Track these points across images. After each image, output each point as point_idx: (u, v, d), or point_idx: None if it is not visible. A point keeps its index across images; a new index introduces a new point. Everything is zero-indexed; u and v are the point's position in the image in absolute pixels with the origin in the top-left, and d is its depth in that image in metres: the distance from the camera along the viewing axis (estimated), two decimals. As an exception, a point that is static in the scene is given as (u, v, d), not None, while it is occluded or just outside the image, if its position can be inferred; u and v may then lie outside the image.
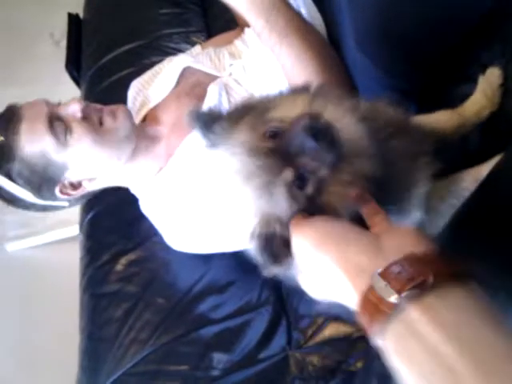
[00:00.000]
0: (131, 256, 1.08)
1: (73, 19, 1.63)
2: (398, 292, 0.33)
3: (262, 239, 0.46)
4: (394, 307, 0.33)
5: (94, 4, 1.63)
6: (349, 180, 0.46)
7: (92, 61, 1.48)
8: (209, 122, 0.54)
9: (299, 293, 0.91)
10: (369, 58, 0.77)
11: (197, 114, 0.55)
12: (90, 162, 0.90)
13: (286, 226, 0.46)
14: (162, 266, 1.05)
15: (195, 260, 1.02)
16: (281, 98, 0.57)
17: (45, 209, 0.96)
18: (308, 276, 0.43)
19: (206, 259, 1.01)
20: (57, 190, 0.90)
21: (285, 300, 0.98)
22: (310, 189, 0.46)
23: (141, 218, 1.00)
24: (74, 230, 1.38)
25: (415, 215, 0.55)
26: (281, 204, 0.46)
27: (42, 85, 1.81)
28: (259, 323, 0.96)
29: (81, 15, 1.65)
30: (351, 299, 0.37)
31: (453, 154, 0.70)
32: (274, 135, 0.48)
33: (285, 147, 0.46)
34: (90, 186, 0.94)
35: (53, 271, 1.52)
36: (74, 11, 1.64)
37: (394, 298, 0.33)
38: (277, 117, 0.50)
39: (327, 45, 0.90)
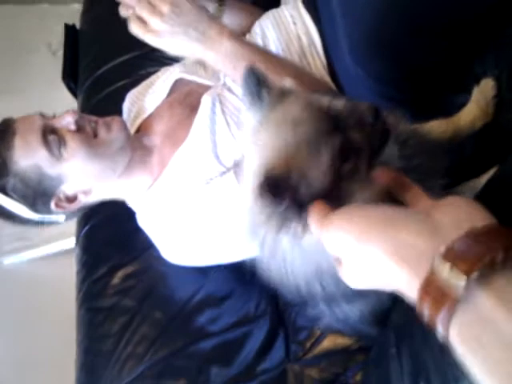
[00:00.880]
0: (128, 269, 1.07)
1: (69, 30, 1.62)
2: (467, 274, 0.29)
3: (274, 177, 0.44)
4: (463, 292, 0.29)
5: (91, 15, 1.63)
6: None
7: (89, 71, 1.47)
8: (260, 81, 0.54)
9: (297, 305, 0.92)
10: (361, 67, 0.78)
11: (254, 71, 0.54)
12: (85, 175, 0.89)
13: (305, 184, 0.44)
14: (159, 280, 1.04)
15: (192, 273, 1.01)
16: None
17: (41, 223, 0.95)
18: (351, 269, 0.39)
19: (203, 272, 1.00)
20: (52, 204, 0.89)
21: (282, 312, 0.98)
22: (348, 166, 0.45)
23: (137, 230, 0.99)
24: (71, 242, 1.37)
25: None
26: (316, 163, 0.44)
27: (39, 95, 1.81)
28: (257, 336, 0.95)
29: (77, 26, 1.65)
30: (408, 287, 0.33)
31: (449, 164, 0.70)
32: (332, 107, 0.48)
33: (343, 116, 0.47)
34: (86, 199, 0.93)
35: (49, 284, 1.50)
36: (70, 22, 1.64)
37: (462, 282, 0.29)
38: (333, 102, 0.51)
39: (303, 69, 0.91)
